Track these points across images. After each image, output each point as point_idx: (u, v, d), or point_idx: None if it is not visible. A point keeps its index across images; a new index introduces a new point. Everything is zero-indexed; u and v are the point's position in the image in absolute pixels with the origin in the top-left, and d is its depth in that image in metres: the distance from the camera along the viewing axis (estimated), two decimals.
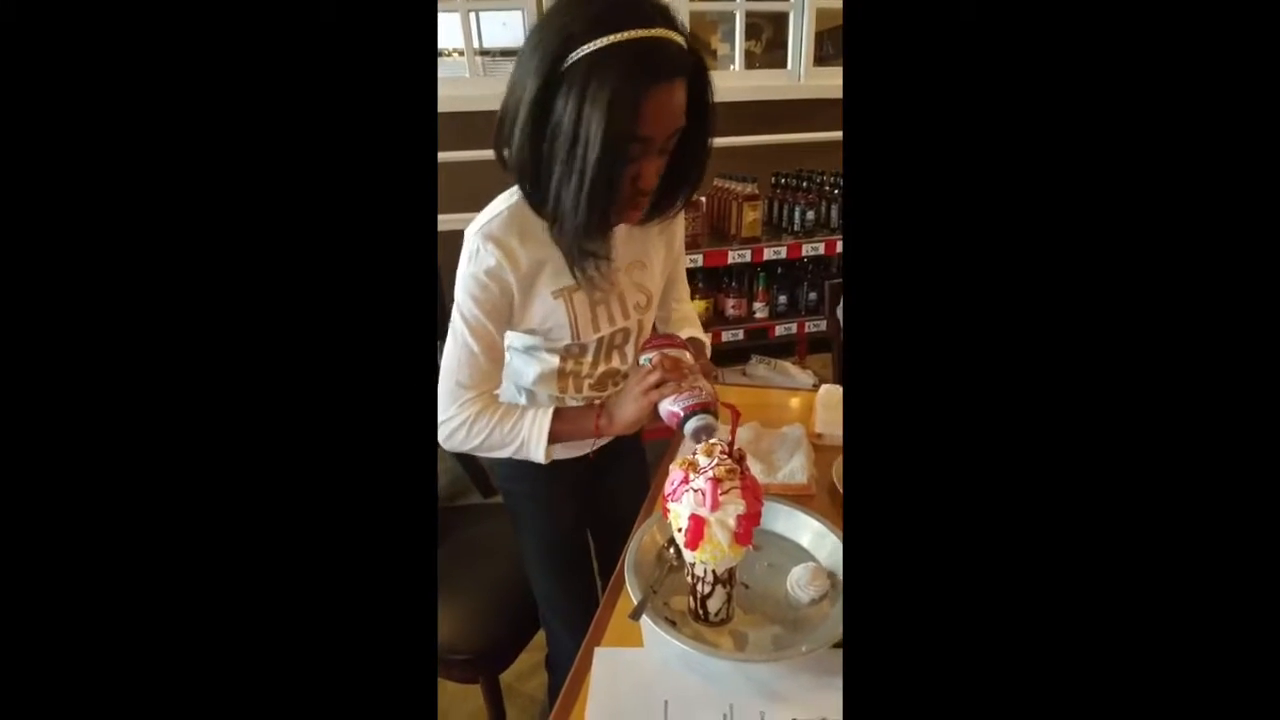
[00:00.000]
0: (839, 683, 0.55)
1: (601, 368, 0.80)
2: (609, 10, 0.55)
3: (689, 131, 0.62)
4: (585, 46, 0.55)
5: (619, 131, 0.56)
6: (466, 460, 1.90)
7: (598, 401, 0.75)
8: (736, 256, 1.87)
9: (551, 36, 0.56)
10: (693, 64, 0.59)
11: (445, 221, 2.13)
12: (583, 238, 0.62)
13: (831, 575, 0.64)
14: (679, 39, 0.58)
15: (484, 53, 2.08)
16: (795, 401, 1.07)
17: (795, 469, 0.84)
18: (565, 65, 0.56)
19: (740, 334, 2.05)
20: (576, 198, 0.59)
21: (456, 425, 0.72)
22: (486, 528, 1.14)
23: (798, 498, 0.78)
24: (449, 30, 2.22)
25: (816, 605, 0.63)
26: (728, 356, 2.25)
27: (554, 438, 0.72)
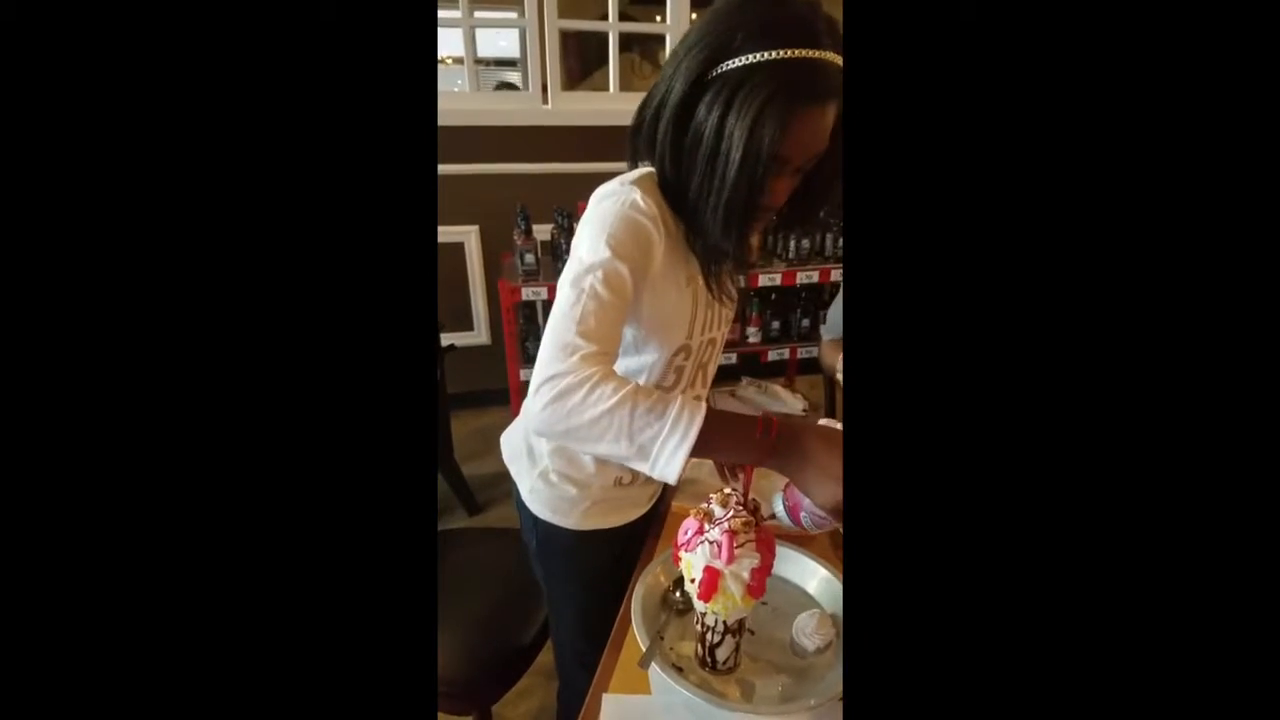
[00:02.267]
0: None
1: (690, 392, 0.74)
2: (777, 24, 0.53)
3: (830, 155, 0.60)
4: (742, 57, 0.53)
5: (760, 149, 0.53)
6: (451, 475, 1.88)
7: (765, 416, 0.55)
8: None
9: (712, 39, 0.54)
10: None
11: (440, 233, 2.12)
12: (722, 240, 0.60)
13: (836, 622, 0.65)
14: (836, 59, 0.54)
15: (478, 60, 2.09)
16: None
17: None
18: (716, 72, 0.54)
19: (733, 358, 2.07)
20: (715, 207, 0.57)
21: (573, 383, 0.51)
22: (474, 552, 1.12)
23: (798, 538, 0.79)
24: (444, 38, 2.22)
25: (822, 654, 0.63)
26: (720, 378, 2.26)
27: (700, 446, 0.50)
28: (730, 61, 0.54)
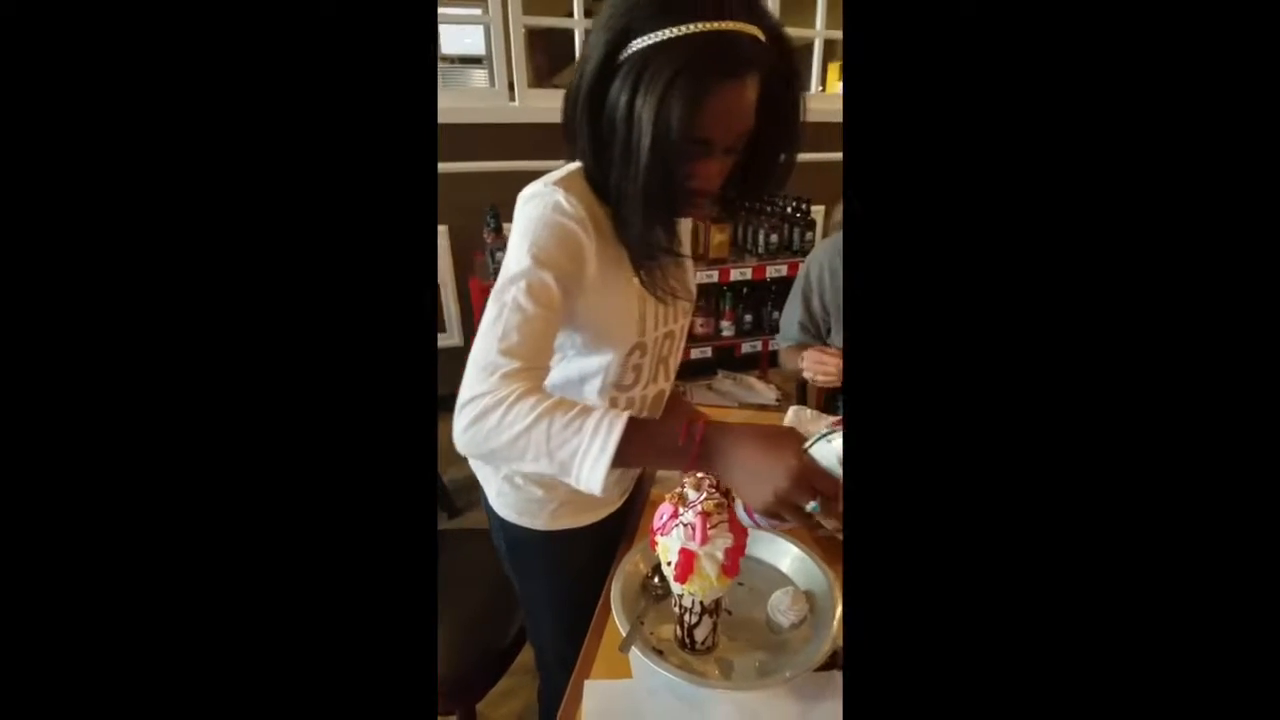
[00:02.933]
0: (824, 705, 0.58)
1: (652, 388, 0.72)
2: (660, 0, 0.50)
3: (763, 133, 0.56)
4: (647, 36, 0.50)
5: (670, 131, 0.50)
6: None
7: (695, 421, 0.54)
8: (705, 277, 1.91)
9: (618, 21, 0.52)
10: (771, 61, 0.54)
11: None
12: (645, 232, 0.57)
13: (811, 599, 0.67)
14: (756, 32, 0.52)
15: (443, 58, 2.07)
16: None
17: None
18: (624, 54, 0.52)
19: (708, 351, 2.09)
20: (634, 197, 0.54)
21: (490, 404, 0.50)
22: (454, 555, 1.13)
23: None
24: None
25: (797, 629, 0.65)
26: (695, 372, 2.29)
27: (621, 457, 0.50)
28: (636, 42, 0.51)
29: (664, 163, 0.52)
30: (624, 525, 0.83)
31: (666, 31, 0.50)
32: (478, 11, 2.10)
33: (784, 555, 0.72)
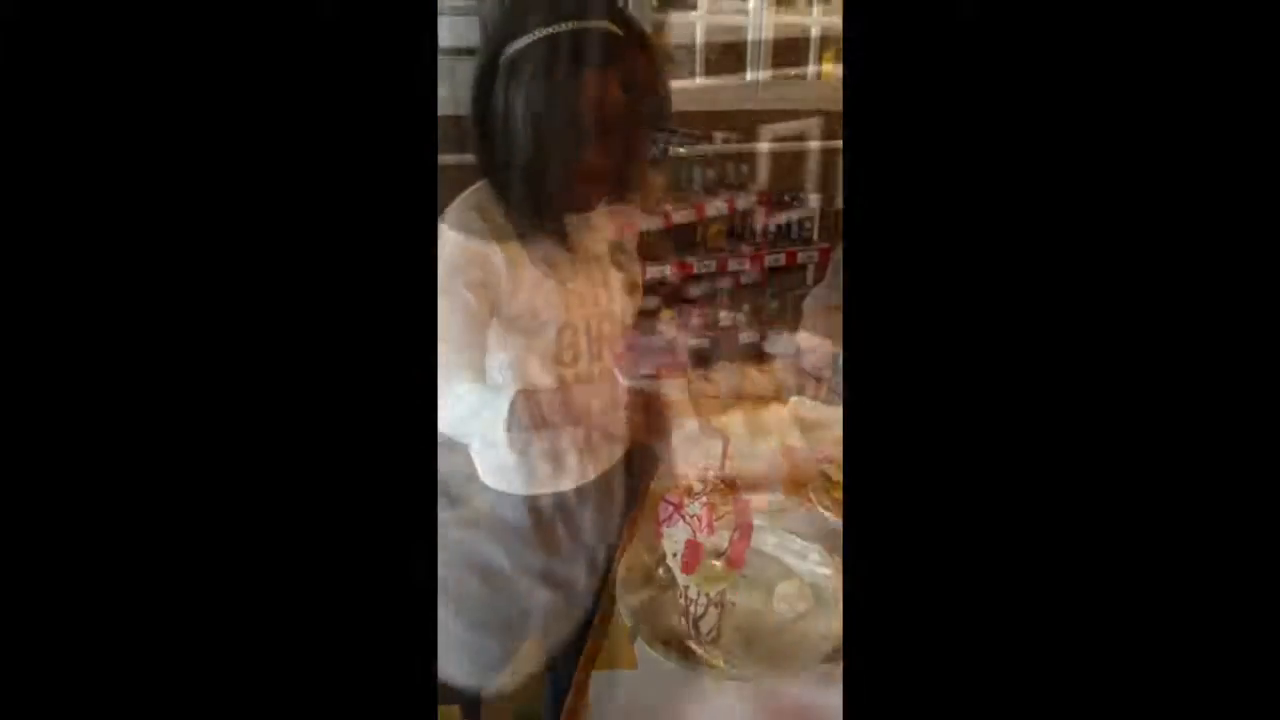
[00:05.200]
0: (828, 696, 0.58)
1: (597, 365, 0.76)
2: (530, 6, 0.61)
3: (634, 113, 0.63)
4: (513, 44, 0.60)
5: (541, 120, 0.60)
6: None
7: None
8: (702, 267, 1.91)
9: (493, 30, 0.62)
10: (627, 49, 0.62)
11: None
12: (532, 226, 0.67)
13: (815, 590, 0.67)
14: (609, 26, 0.60)
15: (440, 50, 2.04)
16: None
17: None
18: (502, 58, 0.61)
19: (705, 342, 2.09)
20: (517, 191, 0.64)
21: None
22: None
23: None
24: None
25: (802, 621, 0.65)
26: (693, 362, 2.28)
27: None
28: (506, 50, 0.61)
29: (535, 156, 0.62)
30: (604, 495, 0.83)
31: (524, 40, 0.60)
32: (474, 2, 2.07)
33: (789, 547, 0.73)
